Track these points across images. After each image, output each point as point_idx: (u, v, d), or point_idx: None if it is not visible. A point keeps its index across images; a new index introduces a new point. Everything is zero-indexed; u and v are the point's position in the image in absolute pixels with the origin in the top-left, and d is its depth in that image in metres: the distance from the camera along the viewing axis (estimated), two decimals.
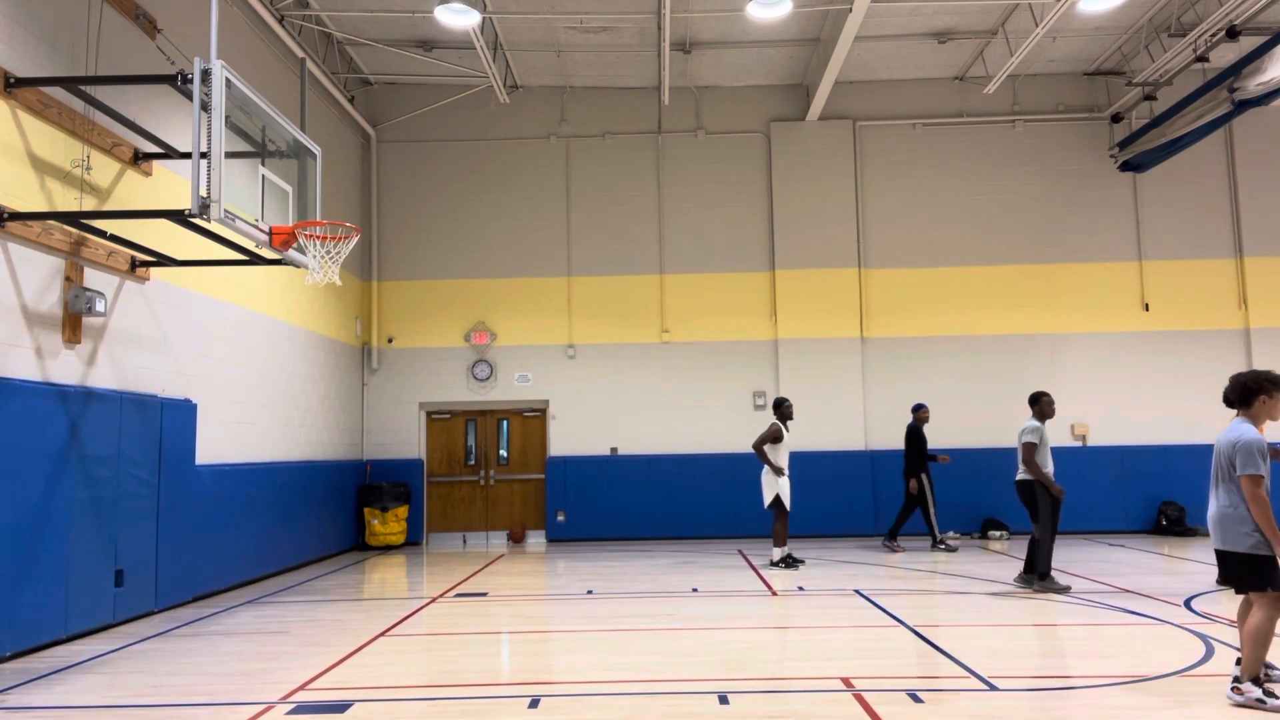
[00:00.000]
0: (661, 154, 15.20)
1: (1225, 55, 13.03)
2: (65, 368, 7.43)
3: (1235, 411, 5.32)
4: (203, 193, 6.61)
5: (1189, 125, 12.87)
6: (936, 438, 14.52)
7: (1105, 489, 14.34)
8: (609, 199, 15.12)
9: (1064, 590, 8.80)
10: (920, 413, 12.74)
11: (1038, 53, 13.85)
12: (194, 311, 9.52)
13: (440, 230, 15.10)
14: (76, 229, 7.46)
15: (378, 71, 14.71)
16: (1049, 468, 8.87)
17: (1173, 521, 13.99)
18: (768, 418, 14.66)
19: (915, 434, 12.61)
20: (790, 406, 11.29)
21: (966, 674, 5.76)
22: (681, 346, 14.88)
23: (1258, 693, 4.90)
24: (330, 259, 7.98)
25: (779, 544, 11.00)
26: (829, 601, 8.64)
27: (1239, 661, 5.16)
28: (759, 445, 11.06)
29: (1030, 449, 8.90)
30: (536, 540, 14.71)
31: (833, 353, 14.69)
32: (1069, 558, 11.40)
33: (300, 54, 11.63)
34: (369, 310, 14.90)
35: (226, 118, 6.82)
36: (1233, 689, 4.99)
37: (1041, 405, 9.16)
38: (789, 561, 10.93)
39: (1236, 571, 5.11)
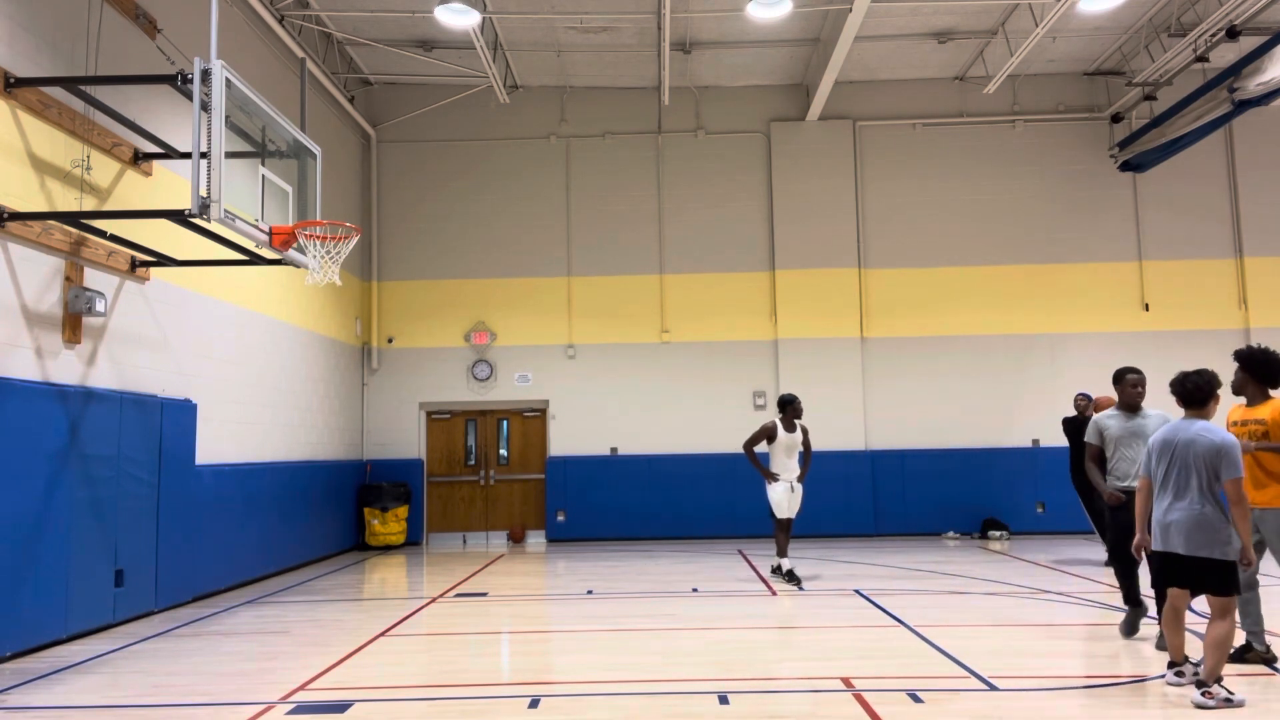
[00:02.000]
0: (661, 154, 15.20)
1: (1225, 55, 13.03)
2: (65, 368, 7.43)
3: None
4: (203, 193, 6.61)
5: (1189, 125, 12.86)
6: (936, 438, 14.54)
7: None
8: (609, 199, 15.12)
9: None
10: (1077, 400, 11.27)
11: (1038, 53, 13.85)
12: (194, 311, 9.52)
13: (440, 230, 15.10)
14: (76, 229, 7.46)
15: (378, 71, 14.71)
16: (1126, 470, 6.70)
17: None
18: (768, 418, 14.66)
19: (1075, 425, 11.18)
20: (797, 405, 10.00)
21: (966, 674, 5.76)
22: (681, 346, 14.88)
23: (1224, 693, 4.97)
24: (330, 259, 7.98)
25: (777, 552, 9.99)
26: (829, 601, 8.64)
27: (1173, 664, 5.40)
28: (746, 445, 10.08)
29: (1090, 454, 7.00)
30: (536, 540, 14.71)
31: (833, 353, 14.69)
32: (1070, 556, 11.40)
33: (300, 54, 11.63)
34: (369, 310, 14.90)
35: (226, 118, 6.82)
36: (1203, 694, 4.99)
37: (1119, 387, 6.91)
38: (783, 573, 9.77)
39: (1213, 578, 5.09)
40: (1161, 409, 6.74)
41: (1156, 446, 5.34)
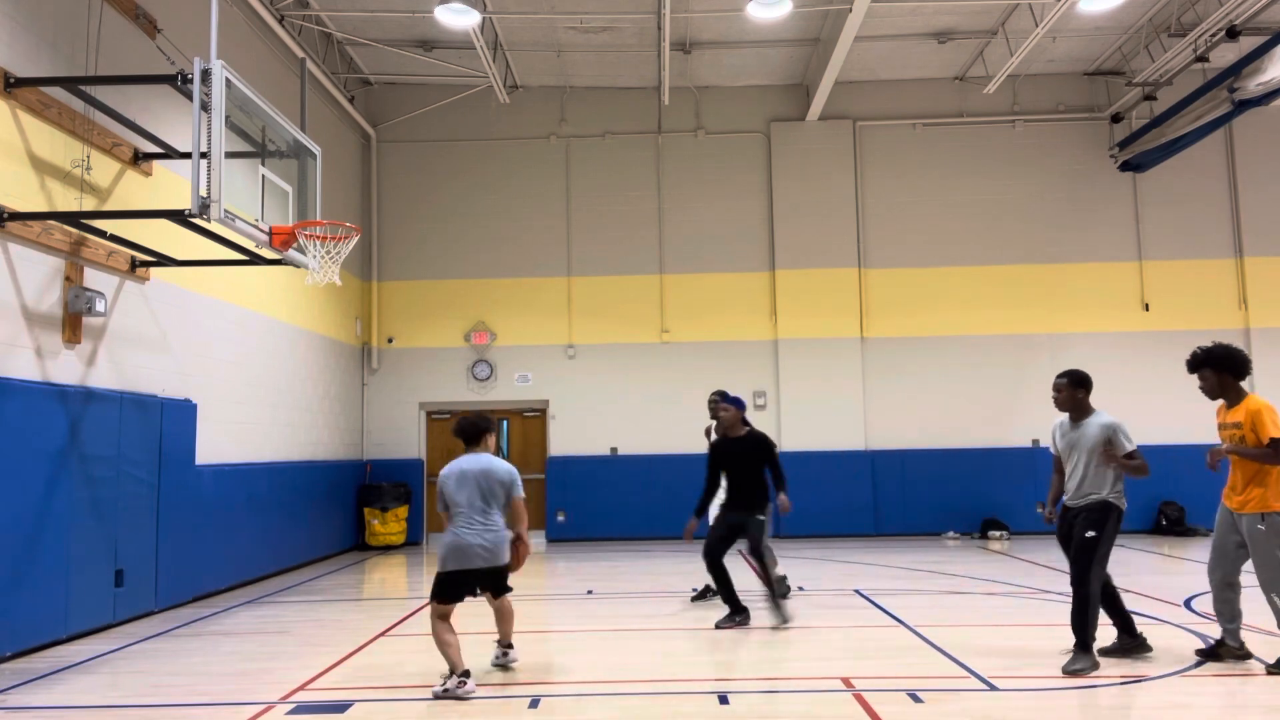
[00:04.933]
0: (661, 154, 15.20)
1: (1225, 55, 13.02)
2: (65, 368, 7.43)
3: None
4: (203, 193, 6.61)
5: (1189, 125, 12.87)
6: (936, 438, 14.53)
7: None
8: (609, 199, 15.12)
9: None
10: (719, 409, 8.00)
11: (1038, 53, 13.84)
12: (194, 311, 9.52)
13: (440, 230, 15.09)
14: (76, 229, 7.46)
15: (378, 71, 14.71)
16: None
17: (1172, 521, 14.00)
18: (768, 418, 14.67)
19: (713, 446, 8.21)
20: (710, 405, 8.53)
21: (966, 674, 5.76)
22: (681, 346, 14.87)
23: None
24: (330, 259, 7.98)
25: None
26: (829, 601, 8.64)
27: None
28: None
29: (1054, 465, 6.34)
30: (536, 540, 14.70)
31: (833, 353, 14.68)
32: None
33: (300, 54, 11.63)
34: (369, 310, 14.90)
35: (226, 118, 6.82)
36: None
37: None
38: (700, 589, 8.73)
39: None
40: (1109, 412, 6.03)
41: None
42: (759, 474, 7.61)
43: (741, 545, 7.96)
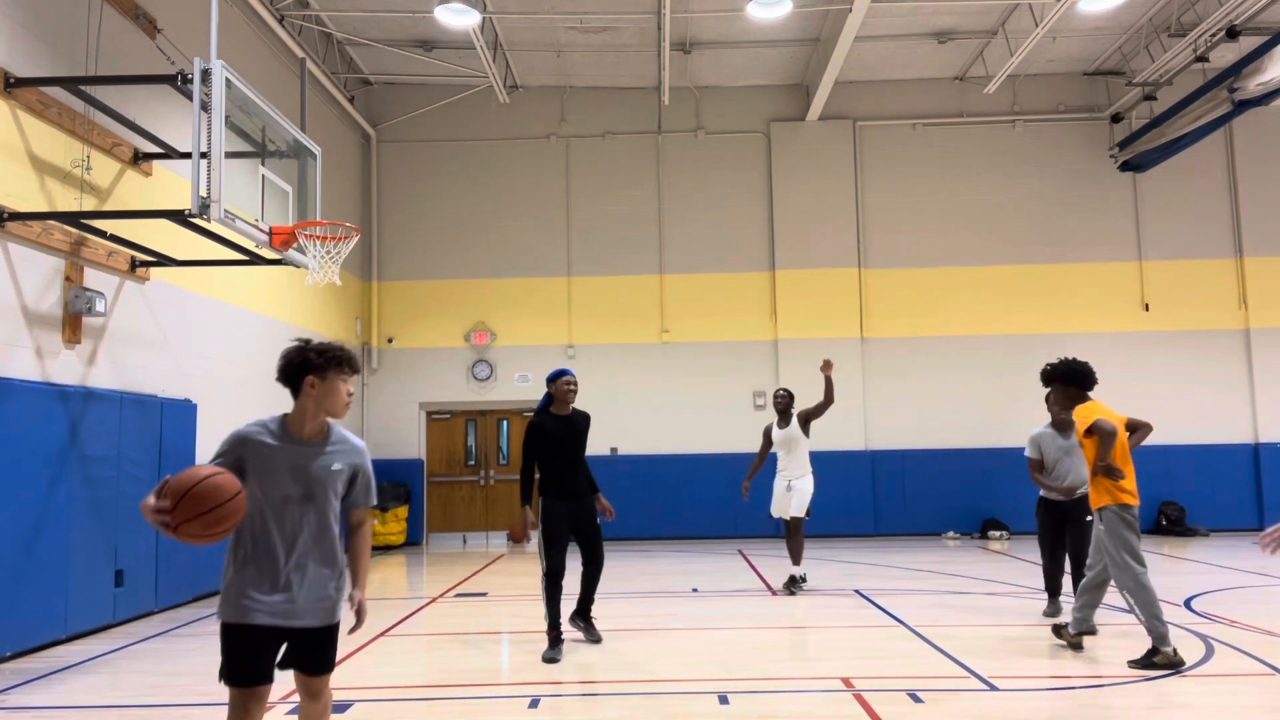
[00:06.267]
0: (661, 154, 15.20)
1: (1225, 55, 13.02)
2: (65, 368, 7.43)
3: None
4: (203, 193, 6.61)
5: (1189, 125, 12.87)
6: (936, 438, 14.53)
7: None
8: (609, 199, 15.12)
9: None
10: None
11: (1038, 53, 13.84)
12: (194, 311, 9.52)
13: (440, 230, 15.09)
14: (76, 229, 7.46)
15: (378, 71, 14.71)
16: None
17: (1172, 521, 13.99)
18: (768, 417, 14.64)
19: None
20: (774, 400, 9.34)
21: (966, 674, 5.76)
22: (681, 346, 14.87)
23: None
24: (330, 259, 7.98)
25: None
26: (829, 601, 8.64)
27: None
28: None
29: (1031, 466, 7.49)
30: (537, 540, 14.68)
31: (833, 353, 14.53)
32: None
33: (300, 54, 11.63)
34: (369, 310, 14.90)
35: (226, 118, 6.82)
36: None
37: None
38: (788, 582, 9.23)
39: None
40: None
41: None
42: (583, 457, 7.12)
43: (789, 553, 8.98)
